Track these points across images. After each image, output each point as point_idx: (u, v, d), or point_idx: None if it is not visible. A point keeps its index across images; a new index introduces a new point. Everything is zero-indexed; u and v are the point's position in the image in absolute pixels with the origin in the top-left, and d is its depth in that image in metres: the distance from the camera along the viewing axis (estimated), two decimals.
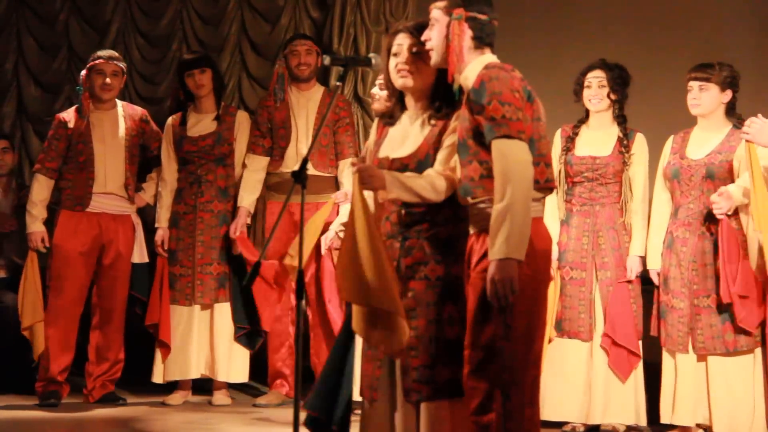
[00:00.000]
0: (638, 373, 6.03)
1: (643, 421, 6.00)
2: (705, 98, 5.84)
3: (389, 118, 4.18)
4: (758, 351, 5.71)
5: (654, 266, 5.94)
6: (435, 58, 3.99)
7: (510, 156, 3.75)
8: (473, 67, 3.94)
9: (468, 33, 3.97)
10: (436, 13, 4.01)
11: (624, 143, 6.05)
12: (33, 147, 7.81)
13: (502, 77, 3.82)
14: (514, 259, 3.71)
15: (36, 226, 6.56)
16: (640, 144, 6.10)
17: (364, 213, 3.86)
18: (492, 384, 3.79)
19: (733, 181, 5.74)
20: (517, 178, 3.74)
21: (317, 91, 6.77)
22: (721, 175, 5.79)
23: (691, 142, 5.93)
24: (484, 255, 3.81)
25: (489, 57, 3.98)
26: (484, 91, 3.81)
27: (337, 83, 4.84)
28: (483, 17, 3.98)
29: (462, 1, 3.98)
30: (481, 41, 3.98)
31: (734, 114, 5.90)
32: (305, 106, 6.71)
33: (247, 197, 6.67)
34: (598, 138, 6.09)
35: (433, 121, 4.06)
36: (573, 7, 7.18)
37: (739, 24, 6.95)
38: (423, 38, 4.03)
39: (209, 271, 6.65)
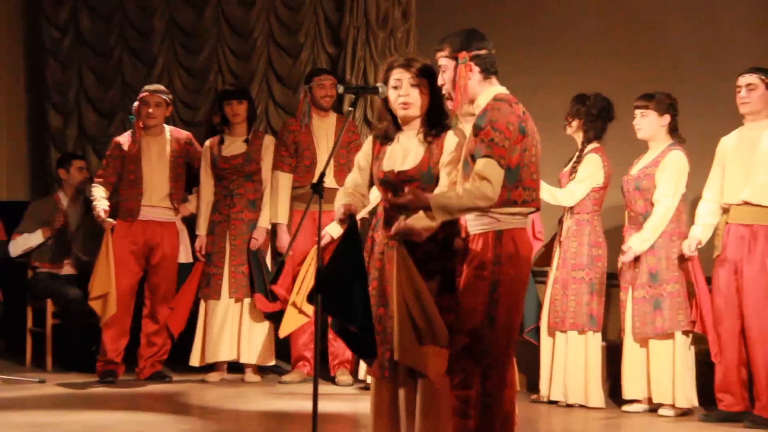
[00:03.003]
0: (596, 355, 6.15)
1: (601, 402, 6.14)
2: (644, 123, 6.03)
3: (384, 137, 4.17)
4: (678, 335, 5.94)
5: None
6: (453, 98, 4.00)
7: (484, 172, 3.80)
8: (484, 97, 3.98)
9: (476, 70, 3.99)
10: (443, 60, 4.01)
11: (575, 164, 6.18)
12: (92, 163, 7.85)
13: (503, 110, 3.88)
14: (431, 211, 3.77)
15: (100, 204, 6.54)
16: (587, 162, 6.15)
17: (408, 274, 3.84)
18: (474, 365, 3.85)
19: (651, 193, 5.93)
20: (484, 194, 3.79)
21: (332, 117, 6.87)
22: (644, 185, 6.00)
23: (640, 160, 6.12)
24: (478, 254, 3.89)
25: (497, 88, 4.01)
26: (484, 117, 3.87)
27: (350, 108, 4.85)
28: (484, 52, 4.00)
29: (462, 43, 3.98)
30: (488, 72, 4.00)
31: (677, 134, 6.06)
32: (325, 130, 6.80)
33: (283, 213, 6.80)
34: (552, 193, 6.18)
35: (429, 139, 4.07)
36: (556, 39, 7.19)
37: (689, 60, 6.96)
38: (439, 83, 4.03)
39: (241, 270, 6.77)
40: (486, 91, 4.00)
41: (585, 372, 6.14)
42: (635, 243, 5.95)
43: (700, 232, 5.91)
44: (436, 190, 3.97)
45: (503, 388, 3.91)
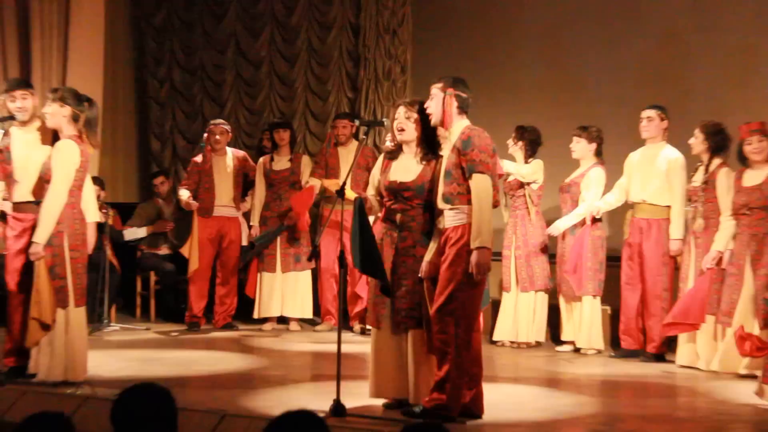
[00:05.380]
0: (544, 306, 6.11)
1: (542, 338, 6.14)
2: (578, 147, 6.04)
3: (391, 155, 4.18)
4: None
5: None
6: (434, 119, 3.98)
7: (483, 185, 3.83)
8: (457, 127, 3.94)
9: (455, 104, 3.96)
10: (435, 90, 3.99)
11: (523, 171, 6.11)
12: (181, 176, 7.88)
13: (482, 136, 3.89)
14: (487, 247, 3.80)
15: (184, 194, 6.59)
16: (535, 164, 6.10)
17: None
18: (449, 317, 3.85)
19: (578, 197, 5.91)
20: (485, 199, 3.82)
21: (353, 145, 6.69)
22: (572, 190, 6.00)
23: (574, 172, 6.10)
24: (457, 240, 3.84)
25: (466, 121, 3.99)
26: (470, 143, 3.85)
27: (363, 136, 5.06)
28: (464, 95, 3.99)
29: (451, 83, 3.96)
30: (462, 110, 3.99)
31: (600, 156, 6.02)
32: (347, 155, 6.66)
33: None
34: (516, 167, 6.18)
35: (424, 162, 4.06)
36: (505, 87, 7.13)
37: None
38: (425, 106, 4.01)
39: (290, 252, 6.72)
40: (458, 123, 3.97)
41: (543, 321, 6.14)
42: (561, 223, 5.94)
43: (599, 203, 5.88)
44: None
45: (471, 332, 3.91)
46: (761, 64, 6.47)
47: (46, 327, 4.50)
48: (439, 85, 3.99)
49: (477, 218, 3.80)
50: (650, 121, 5.73)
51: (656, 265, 5.70)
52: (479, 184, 3.82)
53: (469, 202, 3.85)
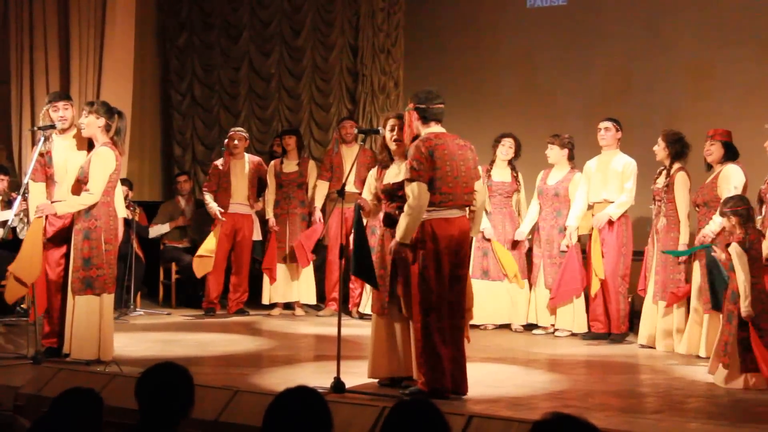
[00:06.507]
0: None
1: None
2: (552, 153, 5.99)
3: (383, 165, 4.21)
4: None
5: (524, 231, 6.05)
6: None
7: (408, 190, 3.80)
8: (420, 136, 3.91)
9: (415, 116, 3.88)
10: (408, 106, 4.00)
11: (516, 176, 6.16)
12: (200, 178, 7.92)
13: (417, 145, 3.79)
14: (401, 243, 3.79)
15: (215, 207, 6.51)
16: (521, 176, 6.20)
17: None
18: (419, 306, 3.83)
19: (567, 198, 5.86)
20: (410, 203, 3.76)
21: (356, 147, 6.56)
22: (561, 193, 5.93)
23: (550, 175, 6.02)
24: (413, 237, 3.80)
25: (431, 129, 3.86)
26: (408, 151, 3.87)
27: (361, 143, 5.05)
28: (424, 106, 3.86)
29: (412, 98, 3.92)
30: (426, 120, 3.88)
31: (573, 159, 5.97)
32: (350, 155, 6.57)
33: (319, 203, 6.69)
34: (501, 173, 6.19)
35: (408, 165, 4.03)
36: (488, 101, 7.10)
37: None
38: None
39: (297, 245, 6.61)
40: (423, 132, 3.88)
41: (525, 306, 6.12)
42: (571, 221, 5.86)
43: (574, 226, 5.83)
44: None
45: (444, 320, 3.80)
46: (713, 78, 6.49)
47: (23, 284, 4.39)
48: (409, 99, 4.00)
49: (401, 218, 3.79)
50: (607, 131, 5.74)
51: (615, 255, 5.66)
52: (407, 188, 3.79)
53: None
